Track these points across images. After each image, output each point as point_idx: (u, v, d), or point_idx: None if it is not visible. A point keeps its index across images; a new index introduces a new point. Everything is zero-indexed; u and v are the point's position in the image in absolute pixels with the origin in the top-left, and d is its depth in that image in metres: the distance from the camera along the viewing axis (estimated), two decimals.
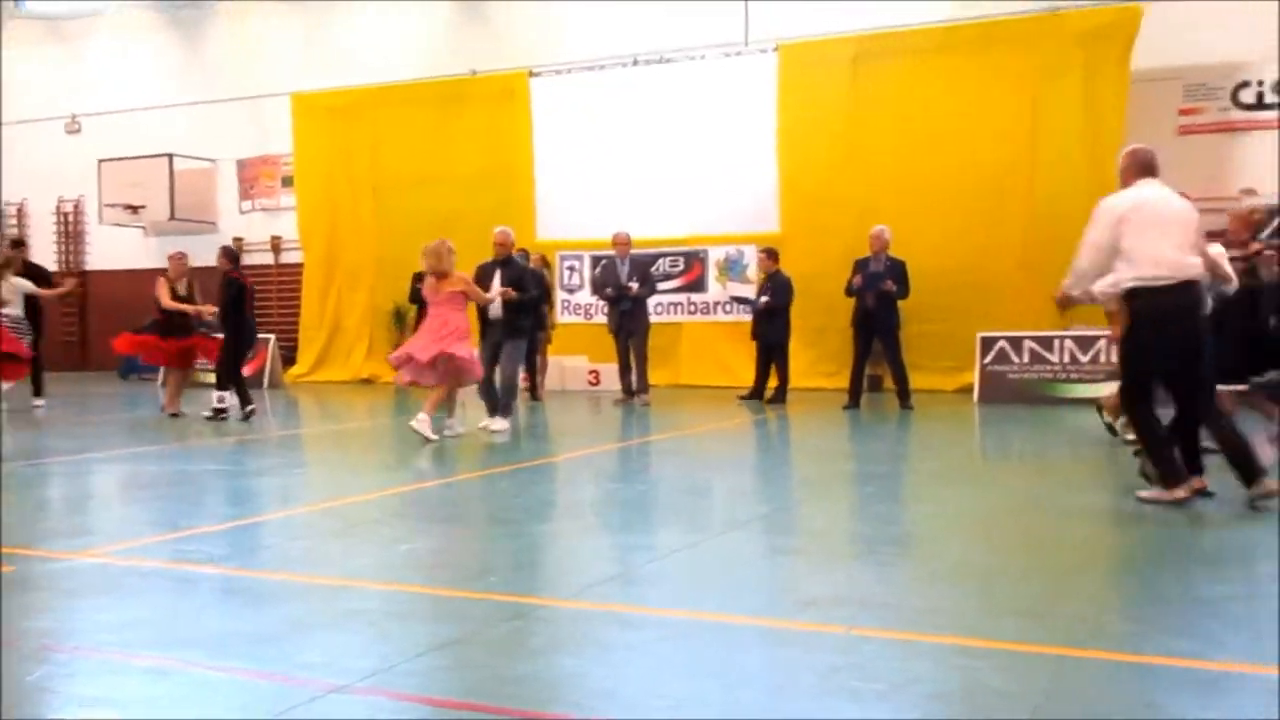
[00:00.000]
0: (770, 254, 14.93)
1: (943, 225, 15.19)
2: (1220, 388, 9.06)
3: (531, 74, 18.61)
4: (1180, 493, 6.51)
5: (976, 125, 15.64)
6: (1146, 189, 6.71)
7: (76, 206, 23.62)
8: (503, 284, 11.07)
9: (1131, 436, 9.75)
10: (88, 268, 23.37)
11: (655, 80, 17.86)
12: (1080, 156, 15.19)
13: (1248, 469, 6.46)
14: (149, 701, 3.40)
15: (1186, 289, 6.53)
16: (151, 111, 22.22)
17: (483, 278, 11.14)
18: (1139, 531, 6.07)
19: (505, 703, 3.34)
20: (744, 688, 3.48)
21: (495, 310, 11.15)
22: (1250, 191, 14.53)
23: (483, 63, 19.24)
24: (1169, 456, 6.65)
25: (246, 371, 12.97)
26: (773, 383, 14.60)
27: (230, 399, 12.36)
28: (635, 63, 17.97)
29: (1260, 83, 15.11)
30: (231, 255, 12.88)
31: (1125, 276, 6.59)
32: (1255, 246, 8.96)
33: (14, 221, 24.30)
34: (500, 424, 11.00)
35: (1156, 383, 6.79)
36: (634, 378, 14.49)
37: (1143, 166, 6.80)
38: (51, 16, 23.49)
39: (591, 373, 17.21)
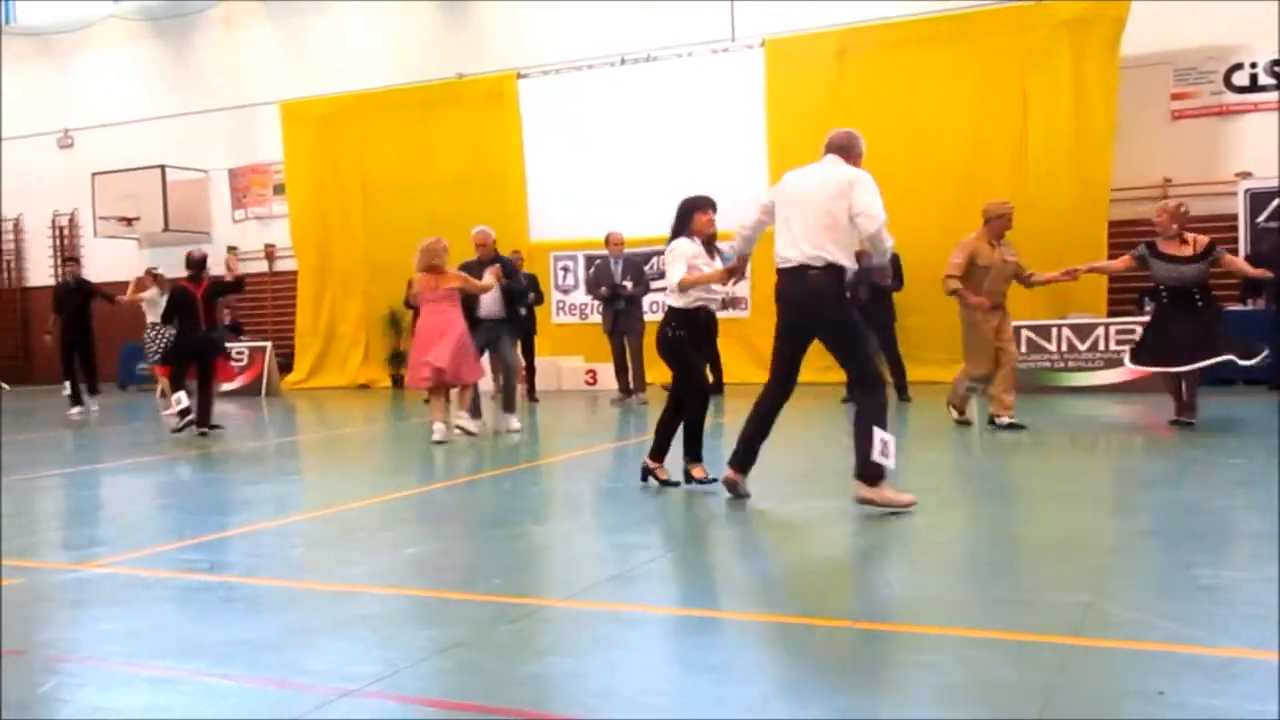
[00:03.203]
0: None
1: (936, 216, 14.92)
2: None
3: (519, 75, 18.64)
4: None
5: (966, 115, 15.67)
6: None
7: (71, 220, 23.67)
8: None
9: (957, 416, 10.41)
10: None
11: (643, 79, 17.90)
12: (1072, 144, 15.24)
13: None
14: (157, 711, 3.42)
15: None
16: (142, 123, 22.28)
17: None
18: (1141, 518, 6.10)
19: (510, 704, 3.37)
20: (746, 684, 3.51)
21: (486, 308, 11.16)
22: (1246, 175, 14.62)
23: (469, 65, 19.29)
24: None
25: (245, 380, 12.88)
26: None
27: (186, 401, 11.85)
28: (623, 62, 18.00)
29: (1254, 65, 15.08)
30: (191, 262, 12.13)
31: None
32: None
33: (11, 237, 24.32)
34: (476, 425, 11.00)
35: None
36: (630, 377, 14.52)
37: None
38: (40, 31, 23.52)
39: (588, 372, 17.25)
